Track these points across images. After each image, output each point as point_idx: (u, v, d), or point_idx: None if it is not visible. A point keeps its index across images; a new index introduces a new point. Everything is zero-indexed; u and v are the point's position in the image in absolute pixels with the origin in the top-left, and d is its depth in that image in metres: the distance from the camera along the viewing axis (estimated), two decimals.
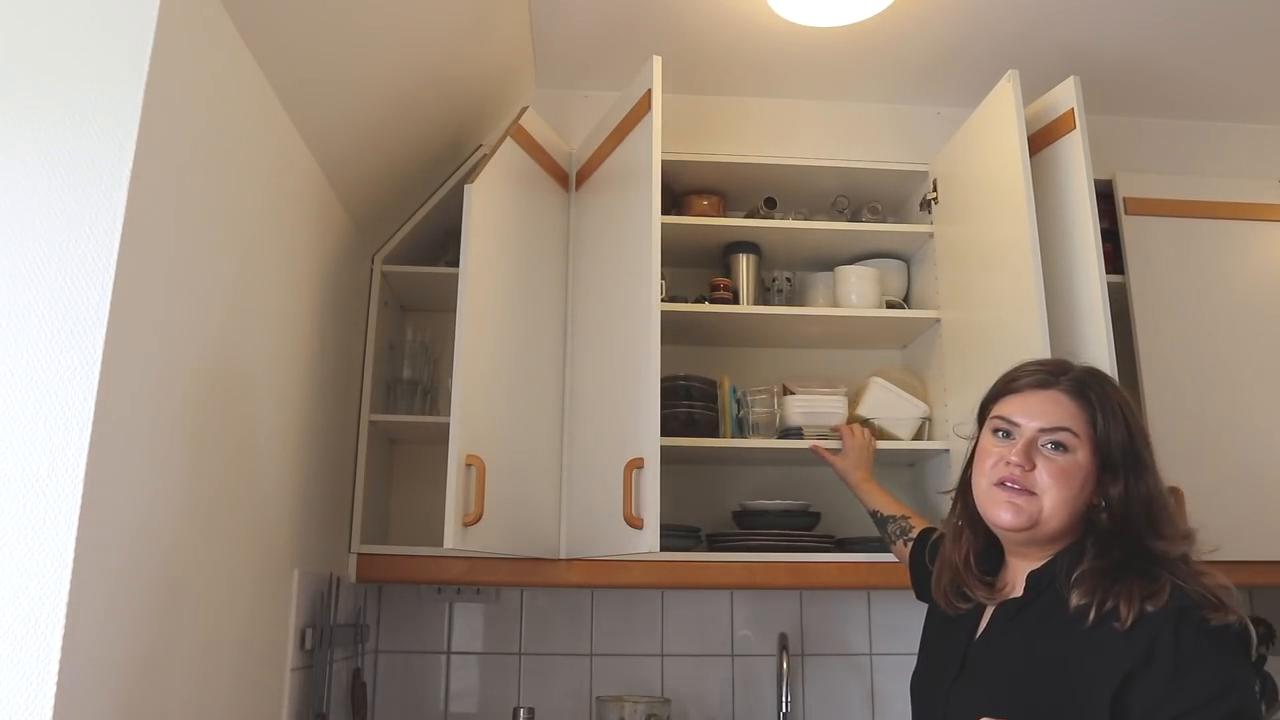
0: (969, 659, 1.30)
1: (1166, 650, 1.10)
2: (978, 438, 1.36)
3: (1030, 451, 1.25)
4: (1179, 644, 1.10)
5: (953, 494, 1.43)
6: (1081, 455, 1.24)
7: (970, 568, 1.35)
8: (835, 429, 2.13)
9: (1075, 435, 1.24)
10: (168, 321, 1.20)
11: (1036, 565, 1.28)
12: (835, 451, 2.08)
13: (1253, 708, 1.09)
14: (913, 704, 1.44)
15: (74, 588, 0.98)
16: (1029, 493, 1.24)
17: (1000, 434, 1.30)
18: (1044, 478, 1.23)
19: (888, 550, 1.93)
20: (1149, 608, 1.13)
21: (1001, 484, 1.26)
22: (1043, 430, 1.25)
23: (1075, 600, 1.18)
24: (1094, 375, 1.31)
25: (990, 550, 1.36)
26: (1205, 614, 1.12)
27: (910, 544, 1.75)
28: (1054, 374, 1.30)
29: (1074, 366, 1.32)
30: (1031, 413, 1.27)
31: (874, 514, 1.92)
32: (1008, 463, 1.25)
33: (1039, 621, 1.23)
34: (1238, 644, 1.12)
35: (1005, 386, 1.34)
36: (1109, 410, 1.25)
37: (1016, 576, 1.31)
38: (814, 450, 2.09)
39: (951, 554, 1.38)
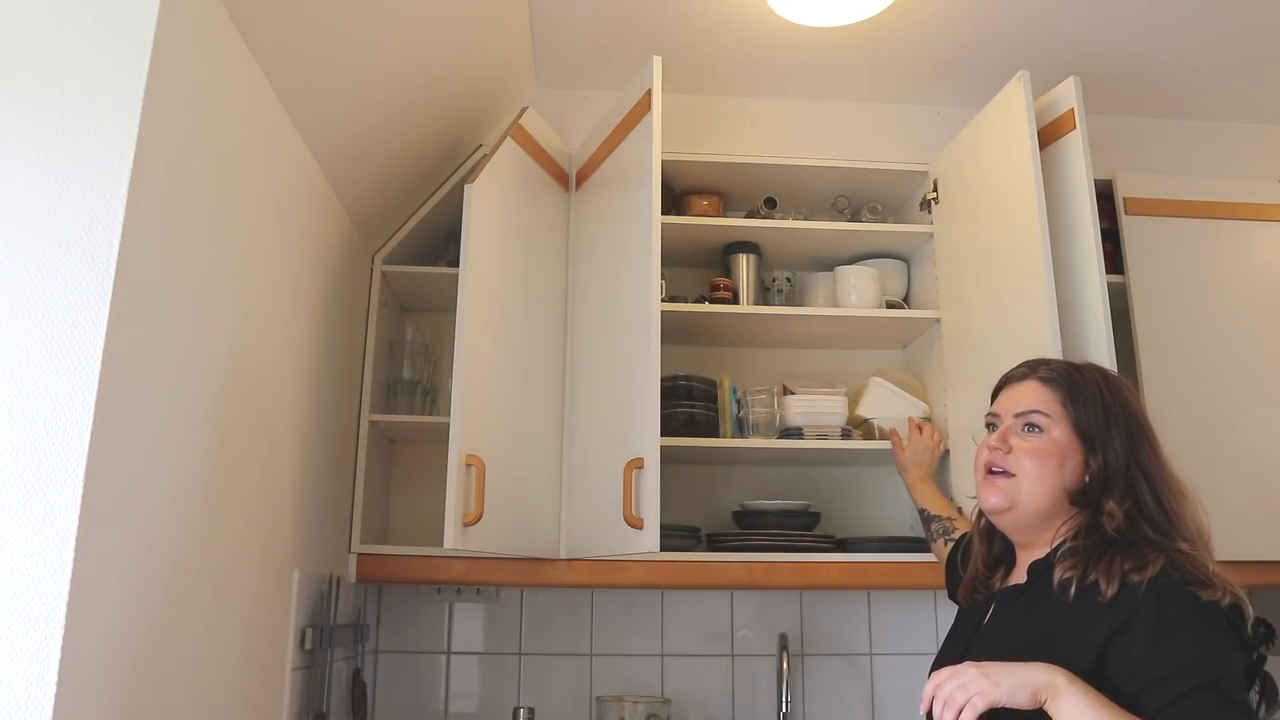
0: (970, 647, 1.35)
1: (1147, 617, 1.13)
2: None
3: (1007, 435, 1.35)
4: (1160, 612, 1.13)
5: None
6: (1057, 433, 1.32)
7: (982, 570, 1.44)
8: (914, 422, 2.16)
9: (1047, 415, 1.33)
10: (168, 321, 1.20)
11: (1040, 556, 1.32)
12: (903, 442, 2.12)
13: (1231, 681, 1.10)
14: None
15: (74, 588, 0.98)
16: (1009, 475, 1.33)
17: (989, 429, 1.41)
18: (1020, 458, 1.32)
19: (892, 552, 1.94)
20: (1134, 578, 1.16)
21: (988, 471, 1.36)
22: (1017, 415, 1.35)
23: (1058, 575, 1.23)
24: (1071, 364, 1.40)
25: (1009, 551, 1.43)
26: (1192, 589, 1.14)
27: (950, 544, 1.79)
28: (1033, 368, 1.41)
29: (1055, 360, 1.43)
30: (1010, 403, 1.38)
31: (921, 512, 1.99)
32: (989, 448, 1.36)
33: (1034, 604, 1.28)
34: (1222, 619, 1.14)
35: (996, 389, 1.45)
36: (1079, 390, 1.33)
37: (1021, 568, 1.37)
38: (890, 434, 2.14)
39: (975, 554, 1.47)
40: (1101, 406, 1.31)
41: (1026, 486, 1.31)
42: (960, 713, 1.08)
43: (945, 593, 1.70)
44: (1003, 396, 1.41)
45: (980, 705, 1.08)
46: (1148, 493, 1.26)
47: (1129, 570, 1.17)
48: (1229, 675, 1.10)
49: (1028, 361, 1.43)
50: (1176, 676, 1.09)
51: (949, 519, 1.91)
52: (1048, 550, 1.31)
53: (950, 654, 1.40)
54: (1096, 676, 1.12)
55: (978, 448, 1.42)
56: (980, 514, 1.45)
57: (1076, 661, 1.13)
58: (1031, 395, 1.35)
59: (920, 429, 2.13)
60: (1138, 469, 1.28)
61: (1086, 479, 1.30)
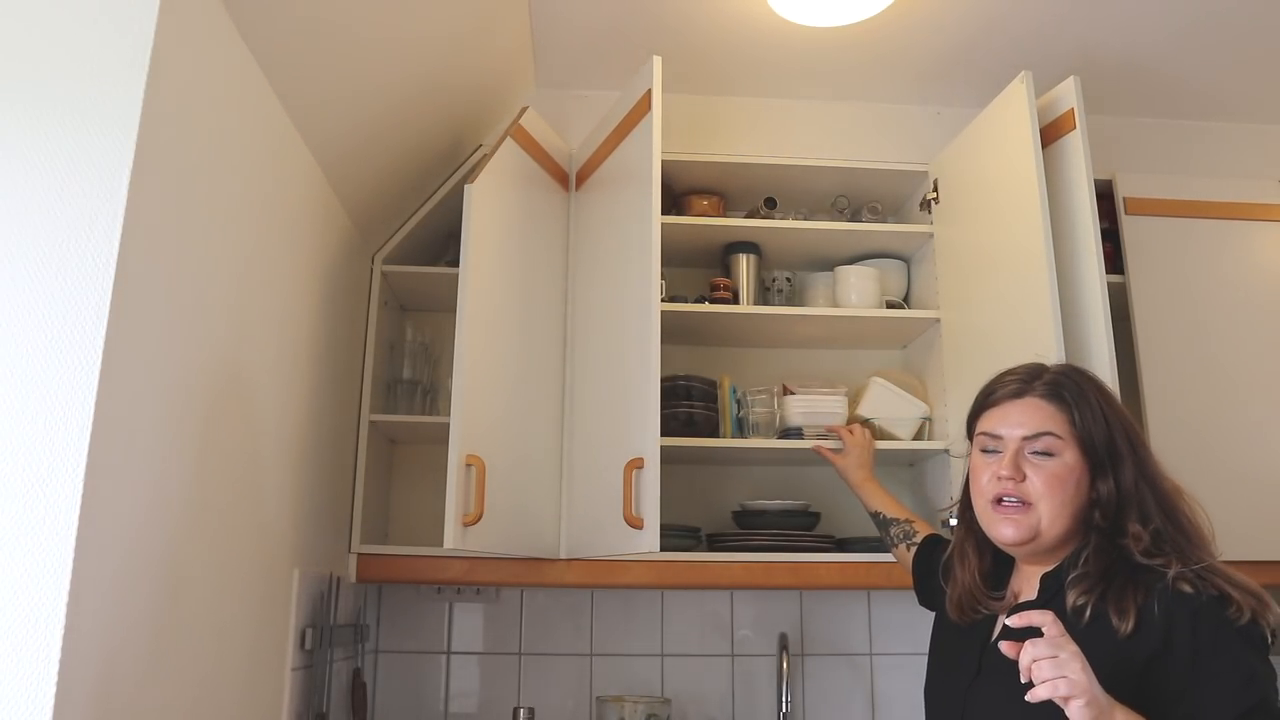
0: (985, 662, 1.30)
1: (1184, 638, 1.10)
2: (970, 455, 1.37)
3: (1018, 462, 1.26)
4: (1197, 633, 1.10)
5: (954, 514, 1.43)
6: (1069, 456, 1.24)
7: (979, 585, 1.35)
8: (832, 429, 2.13)
9: (1058, 438, 1.25)
10: (168, 321, 1.20)
11: (1049, 568, 1.28)
12: (836, 451, 2.08)
13: (1274, 699, 1.09)
14: (927, 710, 1.43)
15: (74, 588, 0.98)
16: (1025, 504, 1.24)
17: (987, 451, 1.31)
18: (1036, 485, 1.24)
19: (888, 551, 1.93)
20: (1155, 607, 1.13)
21: (999, 500, 1.27)
22: (1025, 439, 1.26)
23: (1072, 600, 1.19)
24: (1068, 374, 1.31)
25: (998, 563, 1.37)
26: (1224, 610, 1.11)
27: (914, 548, 1.75)
28: (1028, 381, 1.30)
29: (1048, 369, 1.33)
30: (1012, 423, 1.28)
31: (876, 515, 1.92)
32: (999, 477, 1.26)
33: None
34: (1259, 639, 1.11)
35: (984, 401, 1.35)
36: (1086, 406, 1.26)
37: (1027, 581, 1.32)
38: (816, 450, 2.09)
39: (961, 573, 1.38)
40: (1105, 423, 1.25)
41: (1047, 516, 1.23)
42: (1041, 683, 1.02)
43: None
44: (999, 414, 1.30)
45: (1064, 691, 1.00)
46: (1157, 508, 1.21)
47: (1140, 594, 1.14)
48: (1272, 695, 1.08)
49: (1016, 372, 1.33)
50: (1228, 698, 1.07)
51: (908, 521, 1.82)
52: (1057, 564, 1.27)
53: (960, 667, 1.34)
54: (1139, 693, 1.08)
55: (972, 468, 1.33)
56: (961, 532, 1.39)
57: (1117, 678, 1.09)
58: (1039, 415, 1.26)
59: (850, 431, 2.07)
60: (1146, 485, 1.23)
61: (1093, 500, 1.24)
